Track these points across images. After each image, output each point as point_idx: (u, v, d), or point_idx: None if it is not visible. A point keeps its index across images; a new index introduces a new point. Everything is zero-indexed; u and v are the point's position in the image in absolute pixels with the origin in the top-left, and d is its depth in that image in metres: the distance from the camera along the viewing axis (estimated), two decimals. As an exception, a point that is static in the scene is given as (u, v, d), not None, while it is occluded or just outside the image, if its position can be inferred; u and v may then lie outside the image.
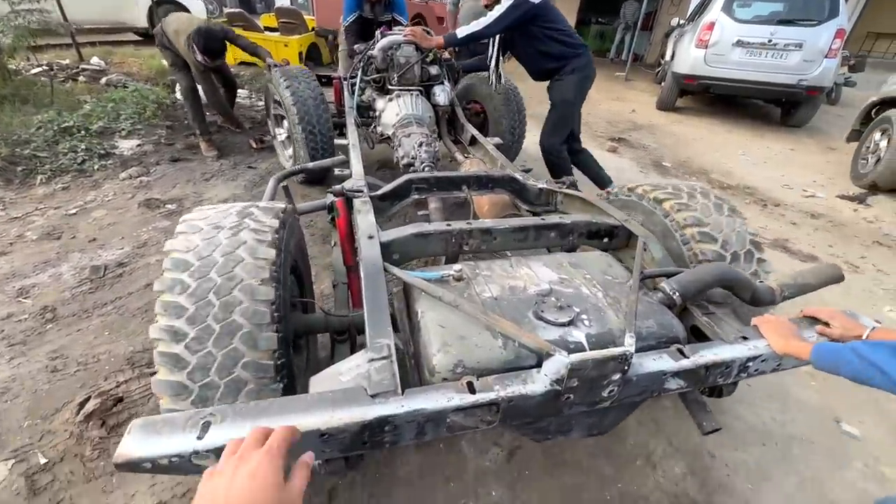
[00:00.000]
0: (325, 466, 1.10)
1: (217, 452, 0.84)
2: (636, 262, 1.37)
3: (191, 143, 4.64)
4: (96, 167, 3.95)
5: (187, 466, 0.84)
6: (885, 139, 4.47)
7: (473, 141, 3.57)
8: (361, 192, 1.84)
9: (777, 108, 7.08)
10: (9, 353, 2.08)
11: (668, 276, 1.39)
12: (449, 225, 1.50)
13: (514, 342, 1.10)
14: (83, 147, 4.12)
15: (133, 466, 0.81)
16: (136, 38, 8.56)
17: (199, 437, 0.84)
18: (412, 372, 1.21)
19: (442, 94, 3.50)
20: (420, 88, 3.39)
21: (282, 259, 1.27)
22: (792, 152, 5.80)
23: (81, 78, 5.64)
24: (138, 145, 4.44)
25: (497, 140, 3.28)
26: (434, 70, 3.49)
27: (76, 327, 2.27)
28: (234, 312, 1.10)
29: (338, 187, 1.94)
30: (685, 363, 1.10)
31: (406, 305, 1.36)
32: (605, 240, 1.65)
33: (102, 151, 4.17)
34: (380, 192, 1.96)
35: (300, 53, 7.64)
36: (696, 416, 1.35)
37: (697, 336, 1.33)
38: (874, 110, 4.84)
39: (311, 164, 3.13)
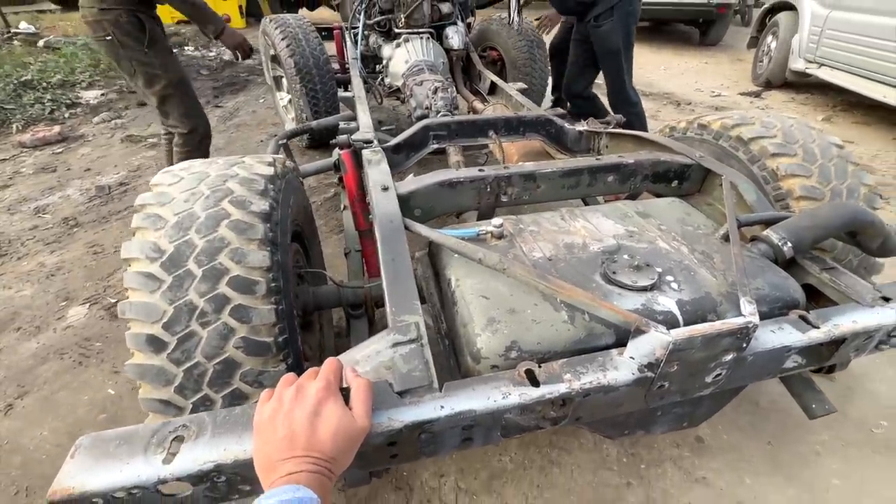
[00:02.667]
0: (343, 477, 0.87)
1: (192, 479, 0.60)
2: (727, 205, 1.06)
3: None
4: (66, 115, 4.12)
5: (153, 499, 0.61)
6: (775, 41, 5.09)
7: (493, 90, 3.19)
8: (371, 142, 1.54)
9: (696, 30, 7.76)
10: (48, 249, 2.43)
11: (769, 223, 1.08)
12: (481, 170, 1.20)
13: (585, 314, 0.83)
14: (48, 98, 4.27)
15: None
16: (54, 6, 8.60)
17: (167, 461, 0.60)
18: (446, 357, 0.96)
19: (455, 35, 3.09)
20: (430, 30, 2.99)
21: (279, 216, 1.01)
22: (706, 65, 6.55)
23: (16, 42, 5.93)
24: (102, 94, 4.60)
25: (521, 85, 2.89)
26: (445, 8, 3.06)
27: (101, 228, 2.60)
28: (221, 283, 0.85)
29: (343, 138, 1.65)
30: (815, 335, 0.82)
31: (433, 273, 1.09)
32: (675, 183, 1.33)
33: (68, 101, 4.34)
34: (392, 142, 1.66)
35: (240, 7, 7.24)
36: (801, 396, 1.08)
37: (811, 298, 1.03)
38: (767, 17, 5.37)
39: (314, 123, 2.82)
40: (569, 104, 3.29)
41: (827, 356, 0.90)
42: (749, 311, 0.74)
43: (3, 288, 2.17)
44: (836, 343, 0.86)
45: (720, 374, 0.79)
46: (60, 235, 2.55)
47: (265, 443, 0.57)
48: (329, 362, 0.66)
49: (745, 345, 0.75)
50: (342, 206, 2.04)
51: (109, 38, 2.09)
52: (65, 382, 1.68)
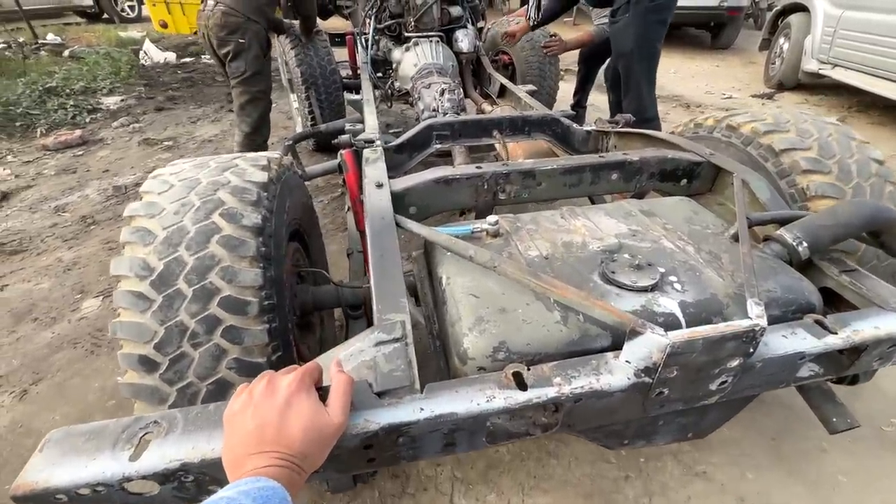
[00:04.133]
0: (327, 481, 0.84)
1: (158, 478, 0.58)
2: (738, 203, 1.00)
3: (170, 95, 4.96)
4: (87, 119, 4.31)
5: (118, 497, 0.59)
6: (787, 42, 5.02)
7: (503, 93, 3.16)
8: (373, 141, 1.53)
9: (707, 33, 7.67)
10: (66, 245, 2.54)
11: (783, 222, 1.01)
12: (479, 167, 1.17)
13: (579, 315, 0.78)
14: (71, 104, 4.46)
15: (40, 499, 0.57)
16: (79, 18, 9.08)
17: (134, 457, 0.59)
18: (437, 358, 0.93)
19: (465, 39, 3.07)
20: (440, 34, 2.98)
21: (272, 227, 0.97)
22: (717, 68, 6.45)
23: (43, 52, 6.23)
24: (122, 100, 4.79)
25: (530, 87, 2.86)
26: (455, 11, 3.06)
27: (116, 226, 2.64)
28: (212, 303, 0.83)
29: (345, 138, 1.64)
30: (833, 341, 0.75)
31: (428, 272, 1.06)
32: (684, 181, 1.27)
33: (90, 107, 4.53)
34: (395, 142, 1.64)
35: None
36: (820, 408, 1.00)
37: (829, 302, 0.96)
38: (779, 19, 5.31)
39: (322, 126, 2.84)
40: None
41: (847, 365, 0.83)
42: (756, 314, 0.69)
43: (23, 281, 2.26)
44: (857, 351, 0.79)
45: (726, 382, 0.74)
46: (78, 233, 2.65)
47: (233, 436, 0.55)
48: (309, 364, 0.64)
49: (752, 350, 0.69)
50: (346, 207, 2.03)
51: (243, 41, 2.47)
52: (77, 370, 1.74)
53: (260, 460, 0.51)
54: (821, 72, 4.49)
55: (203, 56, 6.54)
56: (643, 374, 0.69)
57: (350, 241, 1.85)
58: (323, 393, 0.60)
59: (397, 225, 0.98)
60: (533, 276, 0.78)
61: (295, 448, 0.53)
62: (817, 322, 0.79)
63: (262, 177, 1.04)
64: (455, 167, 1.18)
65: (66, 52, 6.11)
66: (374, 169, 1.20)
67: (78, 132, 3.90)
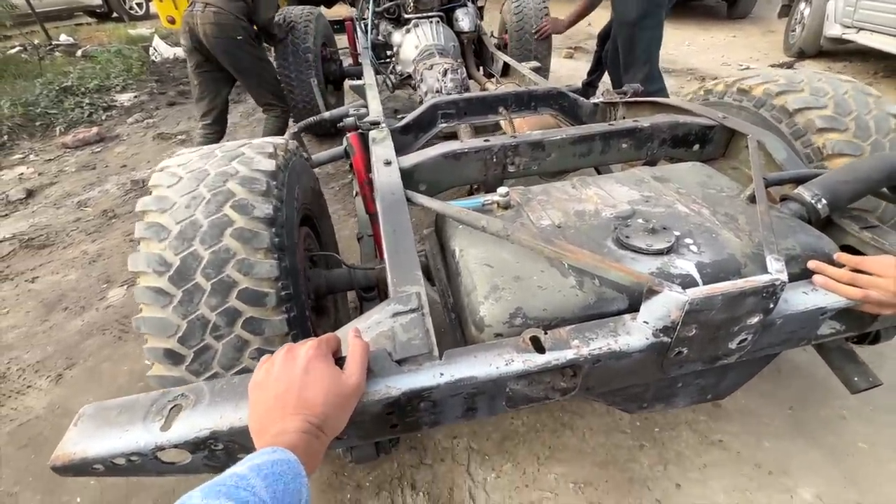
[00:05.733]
0: (350, 451, 0.86)
1: (189, 447, 0.60)
2: (753, 162, 0.98)
3: (181, 90, 5.04)
4: (104, 117, 4.46)
5: (152, 465, 0.61)
6: (808, 7, 4.77)
7: (506, 72, 3.12)
8: (378, 123, 1.52)
9: (723, 2, 7.20)
10: (90, 238, 2.65)
11: (801, 181, 0.99)
12: (487, 140, 1.16)
13: (595, 279, 0.78)
14: (87, 102, 4.60)
15: (79, 469, 0.59)
16: (89, 18, 9.15)
17: (164, 428, 0.60)
18: (453, 331, 0.93)
19: (465, 18, 3.03)
20: (440, 14, 2.94)
21: (284, 216, 0.97)
22: (734, 39, 6.09)
23: (57, 53, 6.25)
24: (135, 97, 4.91)
25: (535, 63, 2.80)
26: (455, -11, 3.01)
27: (136, 218, 2.75)
28: (231, 296, 0.84)
29: (350, 121, 1.63)
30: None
31: (440, 249, 1.06)
32: (697, 147, 1.24)
33: (105, 104, 4.67)
34: (400, 123, 1.63)
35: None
36: (842, 369, 0.99)
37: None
38: None
39: (327, 114, 2.83)
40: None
41: (869, 321, 0.82)
42: (776, 268, 0.68)
43: (52, 273, 2.36)
44: (880, 306, 0.78)
45: (745, 340, 0.73)
46: (100, 226, 2.76)
47: (256, 404, 0.57)
48: (327, 334, 0.65)
49: (771, 305, 0.68)
50: (354, 192, 2.03)
51: (241, 37, 2.64)
52: (107, 355, 1.82)
53: (282, 425, 0.52)
54: (844, 36, 4.30)
55: None
56: (661, 334, 0.68)
57: (360, 224, 1.86)
58: (341, 362, 0.62)
59: (408, 201, 0.97)
60: (546, 241, 0.77)
61: (317, 411, 0.54)
62: (838, 278, 0.77)
63: (270, 165, 1.03)
64: (462, 142, 1.17)
65: (79, 52, 6.21)
66: (382, 147, 1.20)
67: (95, 129, 4.01)
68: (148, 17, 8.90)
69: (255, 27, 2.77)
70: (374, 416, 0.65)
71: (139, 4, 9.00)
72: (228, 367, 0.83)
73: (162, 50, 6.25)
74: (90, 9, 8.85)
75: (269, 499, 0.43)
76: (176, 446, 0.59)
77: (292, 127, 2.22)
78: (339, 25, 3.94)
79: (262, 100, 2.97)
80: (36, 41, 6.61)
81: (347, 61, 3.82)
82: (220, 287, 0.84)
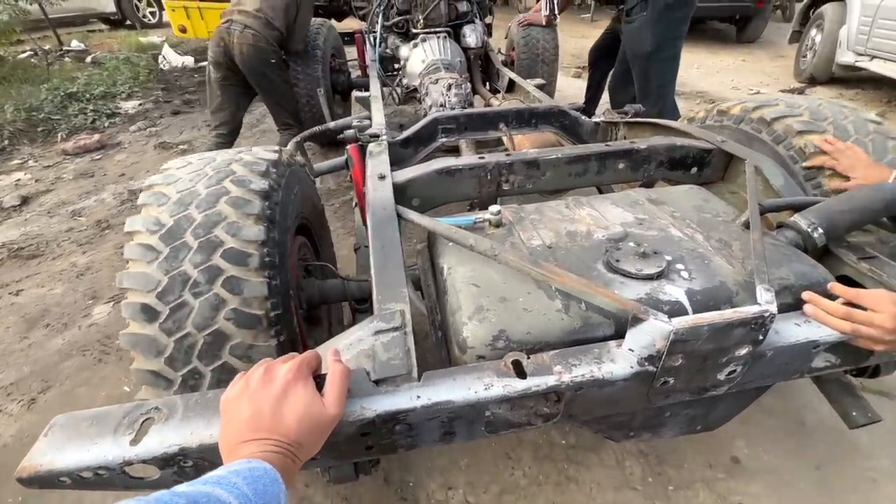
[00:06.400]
0: (328, 471, 0.85)
1: (158, 462, 0.59)
2: (749, 188, 0.97)
3: (187, 98, 5.00)
4: (106, 124, 4.38)
5: (120, 480, 0.60)
6: (819, 33, 4.77)
7: (511, 89, 3.14)
8: (378, 136, 1.53)
9: (733, 26, 7.28)
10: (80, 250, 2.57)
11: (798, 208, 0.98)
12: (482, 157, 1.16)
13: (581, 304, 0.77)
14: (91, 109, 4.52)
15: (45, 482, 0.58)
16: (103, 25, 9.15)
17: (134, 442, 0.59)
18: (439, 350, 0.92)
19: (472, 34, 3.06)
20: (448, 29, 2.98)
21: (279, 197, 1.01)
22: (744, 63, 6.08)
23: (67, 59, 6.23)
24: (140, 104, 4.85)
25: (539, 81, 2.82)
26: (463, 6, 3.05)
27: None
28: (215, 254, 0.86)
29: (350, 132, 1.65)
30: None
31: (431, 264, 1.05)
32: (694, 170, 1.23)
33: (109, 111, 4.58)
34: (401, 136, 1.64)
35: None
36: (840, 402, 0.96)
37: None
38: (811, 9, 5.07)
39: (332, 124, 2.86)
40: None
41: (866, 355, 0.79)
42: (766, 300, 0.66)
43: (38, 286, 2.29)
44: (876, 340, 0.76)
45: (735, 372, 0.71)
46: (93, 237, 2.70)
47: (229, 422, 0.55)
48: (307, 353, 0.64)
49: (761, 337, 0.66)
50: (354, 204, 2.04)
51: (274, 60, 2.78)
52: (85, 378, 1.74)
53: (255, 447, 0.51)
54: (857, 64, 4.28)
55: None
56: (646, 363, 0.67)
57: (358, 235, 1.86)
58: (321, 381, 0.60)
59: (399, 216, 0.97)
60: (533, 263, 0.76)
61: (290, 436, 0.53)
62: (833, 310, 0.75)
63: (272, 156, 1.10)
64: (457, 158, 1.17)
65: (89, 59, 6.22)
66: (378, 162, 1.20)
67: (96, 137, 3.98)
68: (161, 25, 8.97)
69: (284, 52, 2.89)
70: (348, 437, 0.63)
71: (152, 13, 9.11)
72: (202, 326, 0.82)
73: (171, 58, 6.29)
74: (104, 16, 8.99)
75: (252, 494, 0.43)
76: (144, 461, 0.58)
77: (296, 137, 2.25)
78: (349, 37, 4.01)
79: (280, 118, 3.07)
80: (47, 46, 6.60)
81: (356, 73, 3.88)
82: (207, 245, 0.87)
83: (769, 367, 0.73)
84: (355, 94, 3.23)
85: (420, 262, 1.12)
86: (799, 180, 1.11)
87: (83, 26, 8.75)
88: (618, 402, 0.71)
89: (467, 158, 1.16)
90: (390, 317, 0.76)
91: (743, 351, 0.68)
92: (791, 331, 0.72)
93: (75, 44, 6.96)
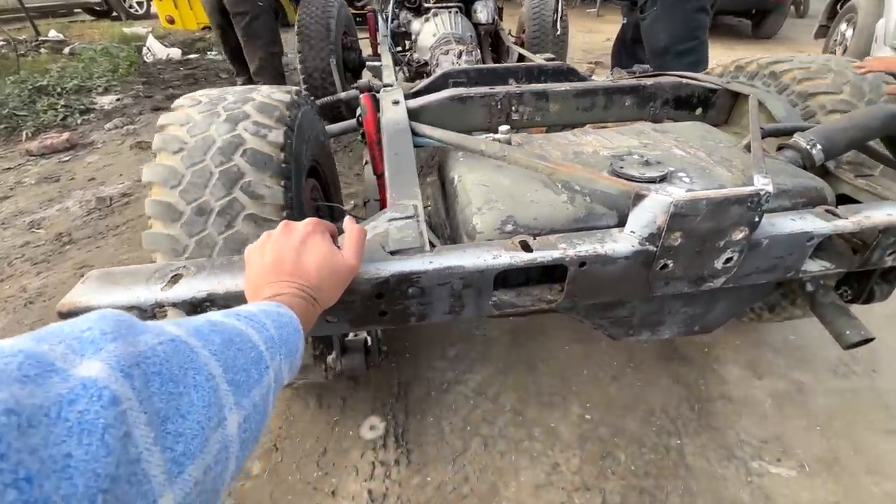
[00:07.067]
0: (340, 361, 0.89)
1: (186, 306, 0.64)
2: (751, 116, 1.01)
3: (170, 94, 4.56)
4: (79, 121, 3.91)
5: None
6: (850, 28, 4.51)
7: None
8: (391, 85, 1.58)
9: (748, 21, 6.94)
10: (34, 270, 2.20)
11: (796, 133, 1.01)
12: (492, 88, 1.20)
13: (586, 196, 0.80)
14: (62, 104, 4.04)
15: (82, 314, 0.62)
16: (88, 16, 8.60)
17: (166, 288, 0.64)
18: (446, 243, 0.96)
19: (483, 10, 3.10)
20: (459, 5, 3.02)
21: (293, 142, 1.03)
22: None
23: (43, 49, 5.78)
24: (117, 100, 4.41)
25: (549, 55, 2.85)
26: (475, -18, 3.10)
27: (94, 245, 2.35)
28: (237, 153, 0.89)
29: (363, 81, 1.69)
30: (843, 224, 0.75)
31: (441, 184, 1.09)
32: (699, 110, 1.27)
33: (83, 107, 4.11)
34: (412, 90, 1.68)
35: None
36: (833, 323, 0.99)
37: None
38: (839, 3, 4.89)
39: (342, 94, 2.91)
40: None
41: (859, 261, 0.82)
42: (762, 182, 0.70)
43: None
44: (868, 244, 0.79)
45: (731, 260, 0.75)
46: (51, 254, 2.31)
47: (252, 268, 0.59)
48: (325, 221, 0.67)
49: (757, 219, 0.70)
50: (364, 161, 2.08)
51: (262, 3, 2.81)
52: None
53: (277, 287, 0.54)
54: None
55: (209, 52, 6.15)
56: (647, 243, 0.70)
57: (368, 189, 1.90)
58: (338, 244, 0.65)
59: (413, 132, 1.01)
60: (540, 158, 0.80)
61: (311, 280, 0.56)
62: (827, 211, 0.79)
63: (286, 98, 1.11)
64: (469, 88, 1.21)
65: (67, 50, 5.77)
66: (392, 94, 1.24)
67: (66, 135, 3.49)
68: (148, 16, 8.53)
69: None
70: (363, 297, 0.67)
71: (140, 3, 8.64)
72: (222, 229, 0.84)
73: (156, 50, 5.85)
74: (89, 6, 8.49)
75: (277, 336, 0.44)
76: (174, 305, 0.63)
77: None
78: (361, 18, 4.06)
79: (259, 74, 3.09)
80: (23, 37, 6.10)
81: (367, 53, 3.93)
82: (229, 146, 0.89)
83: (764, 260, 0.77)
84: (368, 64, 3.28)
85: (430, 192, 1.16)
86: (797, 112, 1.14)
87: (69, 17, 8.36)
88: (619, 286, 0.75)
89: (478, 88, 1.20)
90: (403, 208, 0.80)
91: (739, 235, 0.71)
92: (786, 224, 0.75)
93: (53, 34, 6.43)
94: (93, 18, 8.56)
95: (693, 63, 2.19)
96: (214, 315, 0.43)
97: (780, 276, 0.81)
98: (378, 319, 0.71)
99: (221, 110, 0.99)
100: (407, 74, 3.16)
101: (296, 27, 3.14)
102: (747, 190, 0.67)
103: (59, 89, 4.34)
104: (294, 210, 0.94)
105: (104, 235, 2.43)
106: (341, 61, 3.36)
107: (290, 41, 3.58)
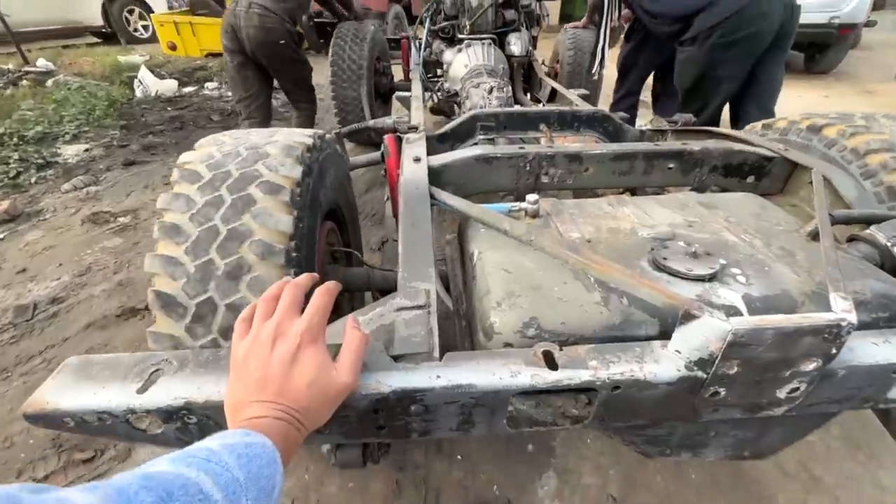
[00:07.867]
0: (334, 454, 0.80)
1: (162, 414, 0.57)
2: (817, 197, 0.88)
3: (148, 143, 3.93)
4: (33, 180, 3.22)
5: (122, 429, 0.58)
6: None
7: (552, 100, 3.10)
8: (416, 127, 1.52)
9: (800, 54, 6.35)
10: None
11: (871, 222, 0.87)
12: (522, 147, 1.11)
13: (622, 297, 0.70)
14: (15, 157, 3.37)
15: (49, 420, 0.56)
16: (95, 38, 7.88)
17: (141, 391, 0.57)
18: (463, 340, 0.87)
19: (517, 42, 3.06)
20: (493, 36, 2.99)
21: (311, 182, 0.99)
22: (826, 99, 5.16)
23: (25, 81, 5.07)
24: (86, 150, 3.76)
25: (583, 91, 2.77)
26: (510, 14, 3.06)
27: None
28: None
29: (389, 122, 1.65)
30: (941, 354, 0.62)
31: (460, 253, 1.01)
32: (752, 178, 1.14)
33: (41, 161, 3.45)
34: (439, 131, 1.62)
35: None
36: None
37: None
38: None
39: (371, 122, 2.90)
40: None
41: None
42: (843, 308, 0.58)
43: None
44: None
45: (798, 390, 0.62)
46: None
47: (236, 381, 0.53)
48: (317, 295, 0.59)
49: (834, 351, 0.58)
50: (385, 197, 2.03)
51: (283, 41, 2.72)
52: None
53: (259, 409, 0.49)
54: None
55: (207, 84, 5.60)
56: (696, 367, 0.59)
57: (387, 228, 1.84)
58: (336, 349, 0.57)
59: (432, 198, 0.94)
60: (572, 250, 0.70)
61: (299, 402, 0.50)
62: (918, 332, 0.66)
63: (307, 141, 1.07)
64: (497, 146, 1.13)
65: (50, 82, 5.10)
66: (414, 146, 1.18)
67: (5, 203, 2.78)
68: (153, 40, 7.73)
69: (297, 27, 2.89)
70: (360, 412, 0.59)
71: (144, 27, 8.06)
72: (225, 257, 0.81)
73: (148, 82, 5.23)
74: (92, 29, 7.77)
75: (243, 477, 0.40)
76: (148, 412, 0.56)
77: (337, 131, 2.28)
78: (395, 43, 4.09)
79: (295, 98, 3.14)
80: (10, 65, 5.50)
81: (398, 77, 3.95)
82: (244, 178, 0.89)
83: (838, 390, 0.64)
84: (397, 94, 3.28)
85: (449, 251, 1.08)
86: (870, 194, 1.01)
87: (76, 38, 7.62)
88: (658, 411, 0.64)
89: (507, 147, 1.12)
90: (414, 294, 0.71)
91: (811, 366, 0.59)
92: (867, 349, 0.63)
93: (41, 63, 5.69)
94: (99, 41, 8.01)
95: (713, 105, 2.27)
96: (158, 463, 0.38)
97: (856, 407, 0.68)
98: (374, 433, 0.63)
99: (243, 150, 0.96)
100: (436, 101, 3.14)
101: (329, 56, 3.17)
102: (825, 319, 0.56)
103: (15, 139, 3.60)
104: (304, 247, 0.90)
105: (9, 375, 1.68)
106: (372, 87, 3.37)
107: (319, 66, 3.57)
